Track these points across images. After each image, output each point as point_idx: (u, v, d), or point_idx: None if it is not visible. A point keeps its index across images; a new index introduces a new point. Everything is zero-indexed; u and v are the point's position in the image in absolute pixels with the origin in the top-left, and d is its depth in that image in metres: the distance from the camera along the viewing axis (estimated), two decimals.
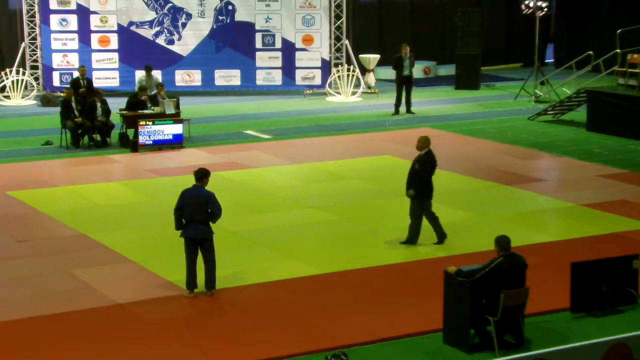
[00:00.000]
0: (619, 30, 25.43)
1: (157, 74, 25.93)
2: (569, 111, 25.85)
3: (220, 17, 29.45)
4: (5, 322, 11.86)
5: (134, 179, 19.32)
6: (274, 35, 29.61)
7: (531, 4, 29.42)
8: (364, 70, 30.06)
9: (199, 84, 29.58)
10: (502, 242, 11.13)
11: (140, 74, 25.94)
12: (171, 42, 29.35)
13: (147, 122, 21.52)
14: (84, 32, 28.95)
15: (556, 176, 19.55)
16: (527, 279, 11.19)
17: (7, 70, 28.18)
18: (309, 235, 15.51)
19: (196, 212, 12.60)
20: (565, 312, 12.10)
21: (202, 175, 12.87)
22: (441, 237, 14.82)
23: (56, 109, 23.85)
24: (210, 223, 12.70)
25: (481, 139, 23.05)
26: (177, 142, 21.76)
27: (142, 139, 21.45)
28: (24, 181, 18.90)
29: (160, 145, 21.58)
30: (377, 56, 30.52)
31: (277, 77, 29.78)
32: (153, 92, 23.42)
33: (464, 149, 21.85)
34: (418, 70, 32.12)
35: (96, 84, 26.08)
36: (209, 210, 12.60)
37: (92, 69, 28.45)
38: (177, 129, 21.83)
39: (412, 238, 14.76)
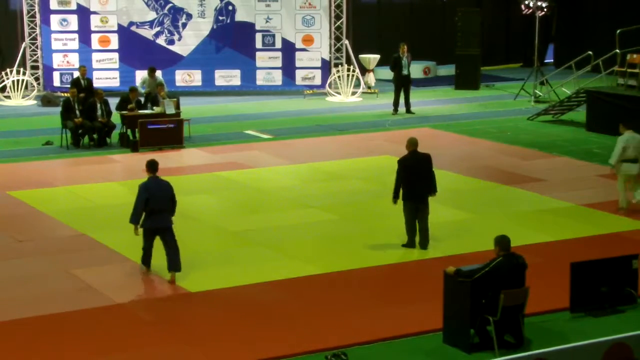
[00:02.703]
0: (619, 30, 25.43)
1: (158, 75, 25.92)
2: (568, 111, 25.86)
3: (220, 17, 29.46)
4: (5, 322, 11.87)
5: (134, 179, 19.26)
6: (274, 35, 29.62)
7: (531, 4, 29.43)
8: (363, 70, 30.06)
9: (199, 84, 29.59)
10: (502, 242, 11.13)
11: (141, 74, 25.95)
12: (171, 42, 29.36)
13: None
14: (84, 32, 28.95)
15: (556, 176, 19.53)
16: (527, 279, 11.19)
17: (8, 70, 28.18)
18: (309, 235, 15.51)
19: (164, 202, 13.29)
20: (565, 312, 12.11)
21: (156, 165, 13.57)
22: (423, 242, 14.76)
23: (56, 109, 23.87)
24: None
25: (481, 139, 23.06)
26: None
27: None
28: (24, 181, 18.91)
29: (160, 145, 21.60)
30: (377, 56, 30.53)
31: (277, 77, 29.79)
32: (154, 93, 23.43)
33: (464, 149, 21.86)
34: (418, 70, 32.20)
35: (96, 84, 26.10)
36: (173, 201, 13.43)
37: (93, 69, 28.45)
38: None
39: (408, 241, 14.76)
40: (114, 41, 29.16)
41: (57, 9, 28.77)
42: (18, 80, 28.07)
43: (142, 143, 21.58)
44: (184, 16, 29.33)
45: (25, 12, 28.74)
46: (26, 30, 28.84)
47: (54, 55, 28.96)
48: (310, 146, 22.35)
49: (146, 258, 13.58)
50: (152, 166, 13.55)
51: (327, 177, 19.39)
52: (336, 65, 29.79)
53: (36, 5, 28.70)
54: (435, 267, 13.18)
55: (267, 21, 29.52)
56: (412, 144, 14.65)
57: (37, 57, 28.94)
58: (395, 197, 14.60)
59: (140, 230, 13.38)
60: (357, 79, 29.19)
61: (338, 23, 29.75)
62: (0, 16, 30.52)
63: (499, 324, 10.90)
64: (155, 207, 13.19)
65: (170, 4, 29.23)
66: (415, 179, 14.51)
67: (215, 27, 29.45)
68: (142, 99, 23.18)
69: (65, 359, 10.95)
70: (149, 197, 13.18)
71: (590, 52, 26.20)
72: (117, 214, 16.54)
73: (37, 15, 28.76)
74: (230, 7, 29.43)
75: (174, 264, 13.23)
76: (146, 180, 13.47)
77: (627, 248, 13.98)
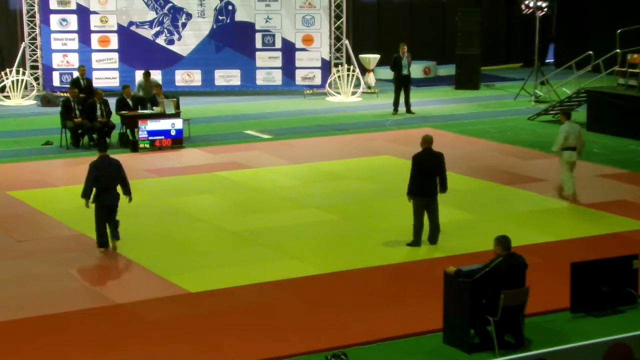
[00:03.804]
0: (619, 30, 25.43)
1: (156, 75, 25.87)
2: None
3: (220, 17, 29.46)
4: (5, 322, 11.86)
5: (134, 179, 19.25)
6: (274, 35, 29.62)
7: (531, 4, 29.43)
8: (364, 70, 30.06)
9: (199, 84, 29.60)
10: (503, 242, 11.13)
11: (140, 74, 25.93)
12: (171, 42, 29.35)
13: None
14: (84, 32, 28.96)
15: (556, 176, 19.49)
16: (527, 279, 11.19)
17: (7, 70, 28.18)
18: (309, 235, 15.51)
19: (112, 181, 14.53)
20: (565, 312, 12.11)
21: (106, 145, 15.16)
22: (432, 236, 14.83)
23: (56, 109, 23.86)
24: (122, 193, 14.63)
25: (481, 139, 23.06)
26: (177, 138, 21.78)
27: (141, 134, 21.52)
28: (24, 181, 18.90)
29: (160, 144, 21.58)
30: (377, 56, 30.53)
31: (277, 77, 29.79)
32: (152, 94, 23.40)
33: (464, 149, 21.85)
34: (418, 70, 32.20)
35: (96, 84, 26.11)
36: (124, 179, 14.59)
37: (92, 69, 28.46)
38: (178, 124, 21.86)
39: (414, 240, 14.76)
40: (114, 41, 29.16)
41: (56, 8, 28.77)
42: (18, 80, 28.07)
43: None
44: (184, 16, 29.34)
45: (24, 12, 28.74)
46: (26, 30, 28.84)
47: (54, 55, 28.96)
48: (310, 146, 22.34)
49: (102, 238, 14.46)
50: (101, 146, 14.95)
51: (327, 177, 19.39)
52: (336, 65, 29.79)
53: (36, 5, 28.70)
54: (436, 267, 13.18)
55: (267, 21, 29.52)
56: (426, 141, 14.70)
57: (37, 57, 28.94)
58: (409, 194, 14.63)
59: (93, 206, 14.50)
60: (357, 79, 29.19)
61: (338, 23, 29.75)
62: (0, 16, 30.51)
63: (499, 324, 10.90)
64: (104, 185, 14.38)
65: (170, 4, 29.23)
66: (426, 176, 14.57)
67: (215, 27, 29.45)
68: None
69: (65, 359, 10.95)
70: (98, 176, 14.35)
71: (590, 52, 26.20)
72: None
73: (37, 15, 28.76)
74: (230, 7, 29.43)
75: (115, 235, 14.50)
76: (96, 159, 14.61)
77: (627, 248, 13.99)
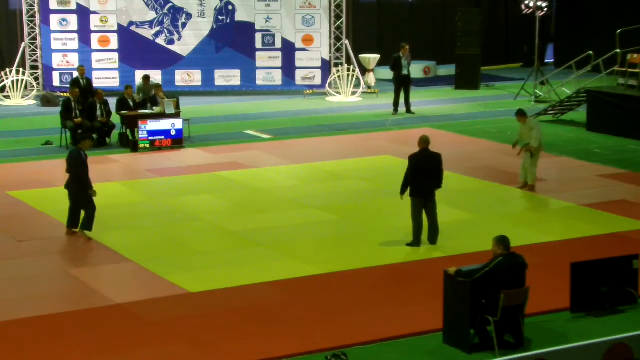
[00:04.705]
0: (619, 30, 25.42)
1: (156, 75, 25.79)
2: (569, 111, 25.85)
3: (220, 17, 29.46)
4: (5, 322, 11.86)
5: (134, 179, 19.32)
6: (274, 35, 29.61)
7: (531, 4, 29.43)
8: (363, 70, 30.06)
9: (199, 84, 29.59)
10: (502, 241, 11.12)
11: (141, 74, 25.98)
12: (171, 42, 29.35)
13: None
14: (84, 32, 28.95)
15: (556, 176, 19.54)
16: (527, 279, 11.19)
17: (7, 70, 28.18)
18: (309, 235, 15.51)
19: (73, 171, 15.16)
20: (565, 312, 12.11)
21: (84, 135, 16.12)
22: (432, 236, 14.83)
23: (56, 109, 23.87)
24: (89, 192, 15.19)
25: (481, 139, 23.05)
26: (177, 138, 21.79)
27: (141, 134, 21.52)
28: (24, 181, 18.90)
29: (160, 144, 21.58)
30: (377, 56, 30.52)
31: (277, 77, 29.79)
32: (152, 95, 23.40)
33: (464, 149, 21.84)
34: (418, 70, 32.20)
35: (96, 84, 26.13)
36: (79, 172, 15.05)
37: (92, 69, 28.46)
38: (178, 124, 21.86)
39: (414, 240, 14.76)
40: (114, 41, 29.15)
41: (56, 8, 28.77)
42: (18, 80, 28.07)
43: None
44: (184, 16, 29.33)
45: (25, 12, 28.74)
46: (26, 30, 28.83)
47: (54, 55, 28.96)
48: (310, 146, 22.34)
49: (70, 221, 15.25)
50: (80, 137, 16.37)
51: (327, 177, 19.39)
52: (336, 65, 29.78)
53: (36, 5, 28.70)
54: (436, 267, 13.18)
55: (267, 21, 29.52)
56: (423, 141, 14.75)
57: (37, 57, 28.94)
58: (402, 192, 14.65)
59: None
60: (357, 79, 29.18)
61: (338, 23, 29.75)
62: (0, 16, 30.51)
63: (499, 324, 10.90)
64: (72, 173, 15.17)
65: (170, 4, 29.22)
66: (423, 176, 14.61)
67: (215, 27, 29.45)
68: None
69: (64, 359, 10.94)
70: (68, 165, 15.20)
71: (590, 52, 26.19)
72: (117, 214, 16.58)
73: (37, 15, 28.75)
74: (230, 7, 29.43)
75: (85, 224, 15.10)
76: (74, 148, 15.74)
77: (627, 248, 13.99)
